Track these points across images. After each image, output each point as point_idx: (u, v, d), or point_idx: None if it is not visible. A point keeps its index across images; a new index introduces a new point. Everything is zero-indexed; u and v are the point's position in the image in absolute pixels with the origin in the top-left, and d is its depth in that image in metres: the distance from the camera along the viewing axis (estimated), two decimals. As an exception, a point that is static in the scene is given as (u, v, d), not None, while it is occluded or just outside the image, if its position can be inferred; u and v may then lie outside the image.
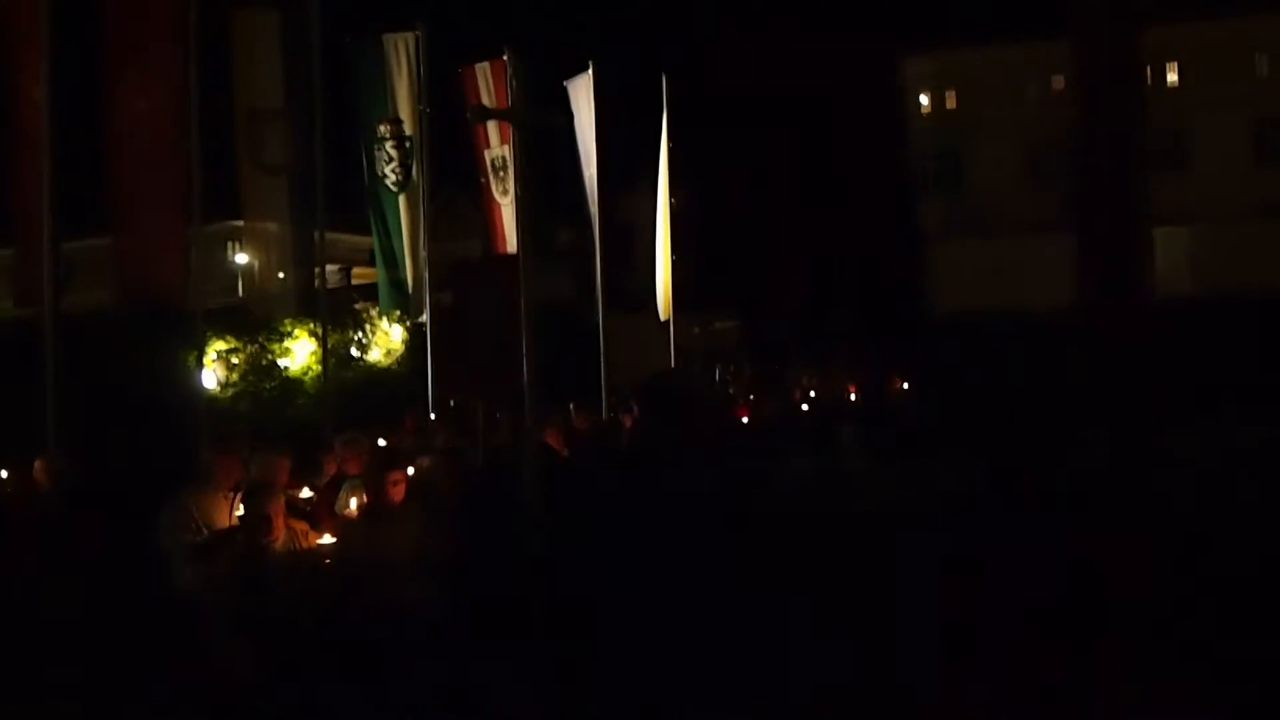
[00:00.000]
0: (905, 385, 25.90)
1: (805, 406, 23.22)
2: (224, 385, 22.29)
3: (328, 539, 8.64)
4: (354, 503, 9.57)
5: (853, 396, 24.82)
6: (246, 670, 7.67)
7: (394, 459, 10.14)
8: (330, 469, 10.60)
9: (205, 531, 8.75)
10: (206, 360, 17.97)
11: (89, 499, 9.67)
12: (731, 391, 23.66)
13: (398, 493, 8.91)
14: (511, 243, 17.85)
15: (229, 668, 7.70)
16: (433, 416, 15.33)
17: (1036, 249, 36.36)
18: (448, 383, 11.01)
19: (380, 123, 16.82)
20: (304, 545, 8.34)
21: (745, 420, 19.57)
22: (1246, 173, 43.95)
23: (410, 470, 9.67)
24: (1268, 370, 27.78)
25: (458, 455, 10.63)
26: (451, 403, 15.44)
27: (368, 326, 24.45)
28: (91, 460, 10.92)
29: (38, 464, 9.76)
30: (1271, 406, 23.33)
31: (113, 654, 8.81)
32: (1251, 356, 29.28)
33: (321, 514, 9.68)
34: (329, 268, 20.64)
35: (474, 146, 17.93)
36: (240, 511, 8.47)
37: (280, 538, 8.16)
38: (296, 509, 9.24)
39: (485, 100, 17.57)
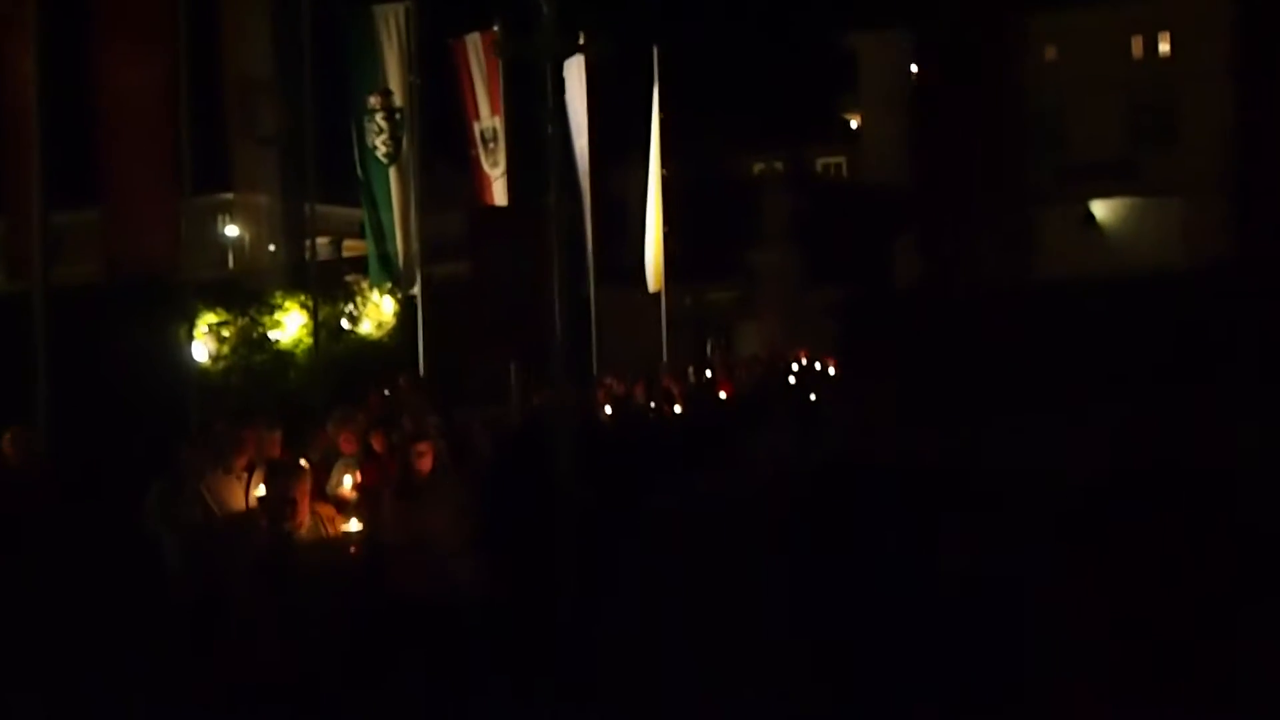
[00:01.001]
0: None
1: (791, 380, 23.23)
2: (215, 358, 22.23)
3: (355, 524, 8.08)
4: (348, 481, 9.23)
5: (831, 370, 24.84)
6: (272, 668, 7.03)
7: (420, 430, 9.61)
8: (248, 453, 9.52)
9: (219, 515, 8.26)
10: (197, 333, 17.93)
11: (60, 476, 9.42)
12: (712, 368, 23.62)
13: (425, 464, 8.51)
14: (502, 216, 17.84)
15: (253, 665, 7.10)
16: (387, 393, 15.03)
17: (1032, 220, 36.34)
18: (472, 343, 10.34)
19: (370, 94, 16.79)
20: (331, 532, 7.67)
21: (724, 395, 19.58)
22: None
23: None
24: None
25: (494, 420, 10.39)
26: (400, 382, 15.24)
27: (359, 299, 24.41)
28: (77, 434, 10.83)
29: (6, 437, 9.32)
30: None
31: (93, 644, 8.68)
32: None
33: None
34: (319, 240, 20.62)
35: (464, 119, 17.89)
36: (260, 493, 7.82)
37: (306, 523, 7.49)
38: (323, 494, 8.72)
39: (475, 72, 17.54)
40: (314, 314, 16.90)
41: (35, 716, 7.83)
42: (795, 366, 24.20)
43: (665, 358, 22.41)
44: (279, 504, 7.37)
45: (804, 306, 34.23)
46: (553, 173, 9.21)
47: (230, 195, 33.54)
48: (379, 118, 16.75)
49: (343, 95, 17.12)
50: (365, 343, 24.01)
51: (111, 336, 20.02)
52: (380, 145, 16.75)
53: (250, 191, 25.64)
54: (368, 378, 17.97)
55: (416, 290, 17.33)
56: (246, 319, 22.83)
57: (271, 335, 22.84)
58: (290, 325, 22.89)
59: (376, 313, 24.34)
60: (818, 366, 25.45)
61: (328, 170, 16.86)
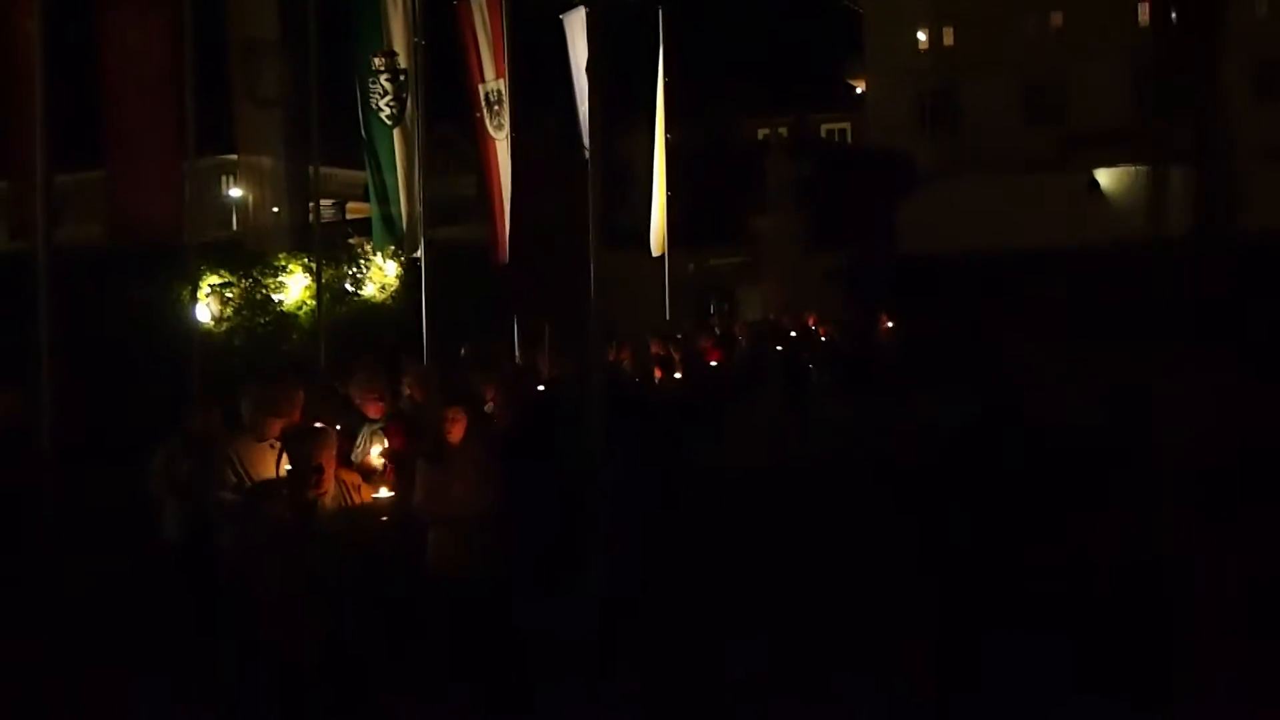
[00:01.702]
0: (890, 325, 25.83)
1: (780, 347, 23.10)
2: (218, 320, 22.28)
3: (385, 492, 7.66)
4: (376, 450, 8.67)
5: (823, 337, 24.73)
6: (293, 644, 6.67)
7: (452, 393, 9.31)
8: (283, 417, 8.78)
9: (250, 485, 7.80)
10: (200, 295, 17.96)
11: (53, 437, 9.16)
12: (718, 331, 23.48)
13: (457, 431, 8.12)
14: (506, 180, 17.77)
15: (273, 640, 6.74)
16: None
17: (1033, 189, 36.23)
18: (518, 305, 9.49)
19: (374, 55, 16.70)
20: (357, 500, 7.17)
21: (714, 364, 19.41)
22: (1244, 113, 43.76)
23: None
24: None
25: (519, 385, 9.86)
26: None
27: (362, 262, 24.43)
28: (80, 396, 10.79)
29: None
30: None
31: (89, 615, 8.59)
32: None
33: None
34: (323, 202, 20.60)
35: (469, 80, 17.82)
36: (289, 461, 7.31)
37: (330, 491, 6.95)
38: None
39: (480, 34, 17.46)
40: (317, 276, 16.89)
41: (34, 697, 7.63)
42: (793, 333, 24.01)
43: (668, 322, 22.39)
44: (303, 471, 6.84)
45: (808, 271, 34.17)
46: (596, 123, 8.80)
47: (234, 157, 33.51)
48: (383, 79, 16.68)
49: (346, 57, 17.04)
50: (368, 305, 24.05)
51: (115, 298, 20.06)
52: (384, 107, 16.68)
53: (254, 153, 25.53)
54: (371, 340, 18.03)
55: (420, 253, 17.30)
56: (250, 281, 22.87)
57: (275, 297, 22.88)
58: (293, 287, 22.92)
59: (380, 276, 24.37)
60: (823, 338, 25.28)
61: (331, 132, 16.81)
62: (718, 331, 22.57)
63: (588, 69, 9.41)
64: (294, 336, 21.98)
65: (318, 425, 7.40)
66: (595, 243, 8.26)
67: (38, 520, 8.51)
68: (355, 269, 24.35)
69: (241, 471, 7.92)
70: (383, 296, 24.32)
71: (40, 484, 8.77)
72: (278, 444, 7.95)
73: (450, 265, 18.27)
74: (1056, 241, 31.80)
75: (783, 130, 52.86)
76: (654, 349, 16.79)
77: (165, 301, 19.31)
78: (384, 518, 7.49)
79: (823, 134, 54.83)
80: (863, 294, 29.19)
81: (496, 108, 17.78)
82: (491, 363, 13.06)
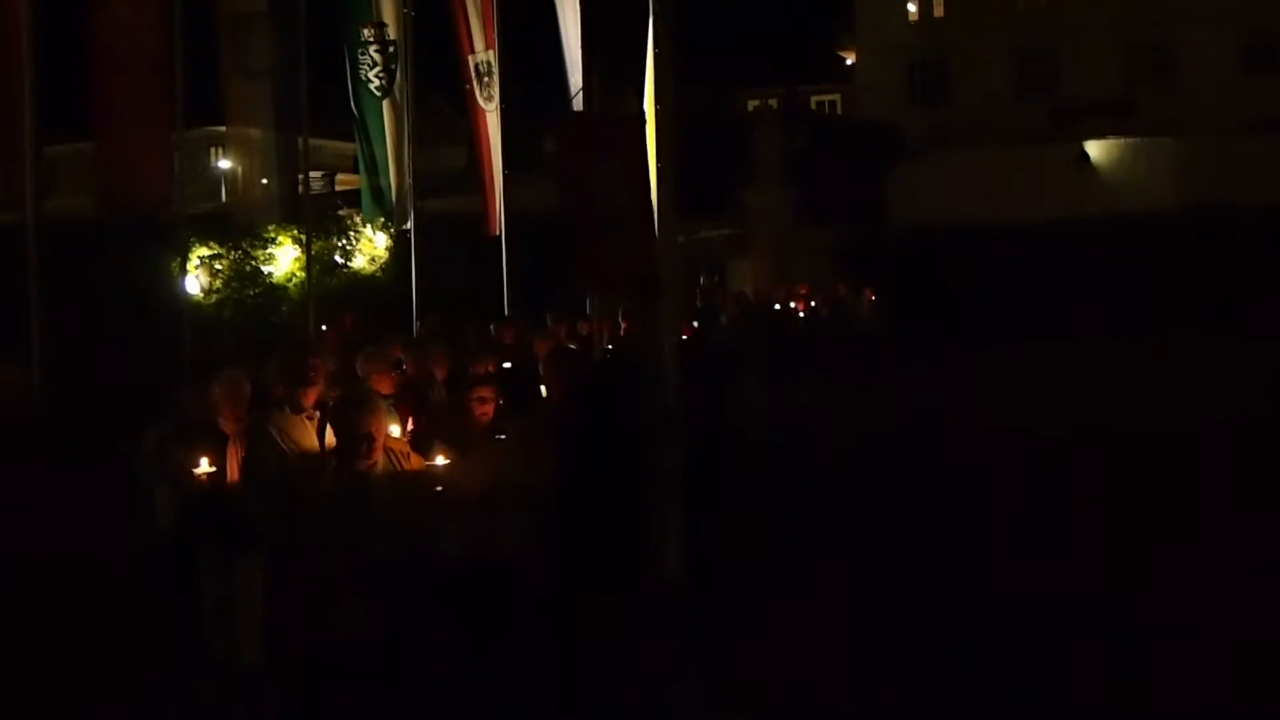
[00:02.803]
0: (874, 298, 25.68)
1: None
2: (207, 292, 22.27)
3: (441, 460, 6.87)
4: (395, 430, 7.80)
5: (801, 312, 24.33)
6: (346, 625, 6.07)
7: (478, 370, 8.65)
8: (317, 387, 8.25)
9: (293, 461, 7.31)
10: (190, 266, 17.91)
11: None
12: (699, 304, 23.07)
13: (486, 412, 7.38)
14: (497, 151, 17.75)
15: (321, 626, 6.09)
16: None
17: (1023, 161, 36.22)
18: (574, 272, 8.69)
19: (364, 26, 16.65)
20: (407, 469, 6.66)
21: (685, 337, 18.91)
22: (1233, 85, 43.70)
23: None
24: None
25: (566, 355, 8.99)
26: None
27: (352, 234, 24.38)
28: (69, 368, 10.70)
29: None
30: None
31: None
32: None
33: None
34: (313, 174, 20.54)
35: (458, 52, 17.77)
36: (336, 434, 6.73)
37: (379, 461, 6.43)
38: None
39: (469, 4, 17.42)
40: (307, 248, 16.87)
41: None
42: (777, 305, 23.48)
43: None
44: (352, 441, 6.31)
45: (799, 244, 34.14)
46: (664, 82, 8.43)
47: (223, 129, 33.32)
48: (372, 50, 16.63)
49: (336, 27, 16.98)
50: (358, 277, 24.01)
51: (104, 269, 20.04)
52: (373, 78, 16.64)
53: (243, 125, 25.38)
54: (361, 312, 18.01)
55: (410, 225, 17.29)
56: (239, 252, 22.84)
57: (264, 269, 22.85)
58: (283, 259, 22.89)
59: (370, 248, 24.33)
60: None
61: (321, 104, 16.75)
62: (698, 305, 21.93)
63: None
64: (283, 308, 21.96)
65: (365, 391, 7.02)
66: (670, 200, 7.95)
67: (28, 500, 8.26)
68: (345, 241, 24.31)
69: (284, 447, 7.40)
70: (372, 269, 24.28)
71: (32, 462, 8.53)
72: (315, 415, 7.59)
73: (440, 237, 18.25)
74: (1046, 214, 31.88)
75: (773, 102, 52.75)
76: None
77: (154, 273, 19.29)
78: (439, 488, 6.78)
79: (813, 105, 54.73)
80: (849, 268, 29.18)
81: (486, 79, 17.74)
82: (457, 338, 12.64)
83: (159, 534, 7.94)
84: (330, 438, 7.13)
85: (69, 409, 9.70)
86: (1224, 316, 27.41)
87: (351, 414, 6.39)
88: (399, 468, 6.58)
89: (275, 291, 22.68)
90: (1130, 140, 36.91)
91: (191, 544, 7.59)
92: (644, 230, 7.96)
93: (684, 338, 18.31)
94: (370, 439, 6.26)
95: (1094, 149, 36.58)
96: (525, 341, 12.94)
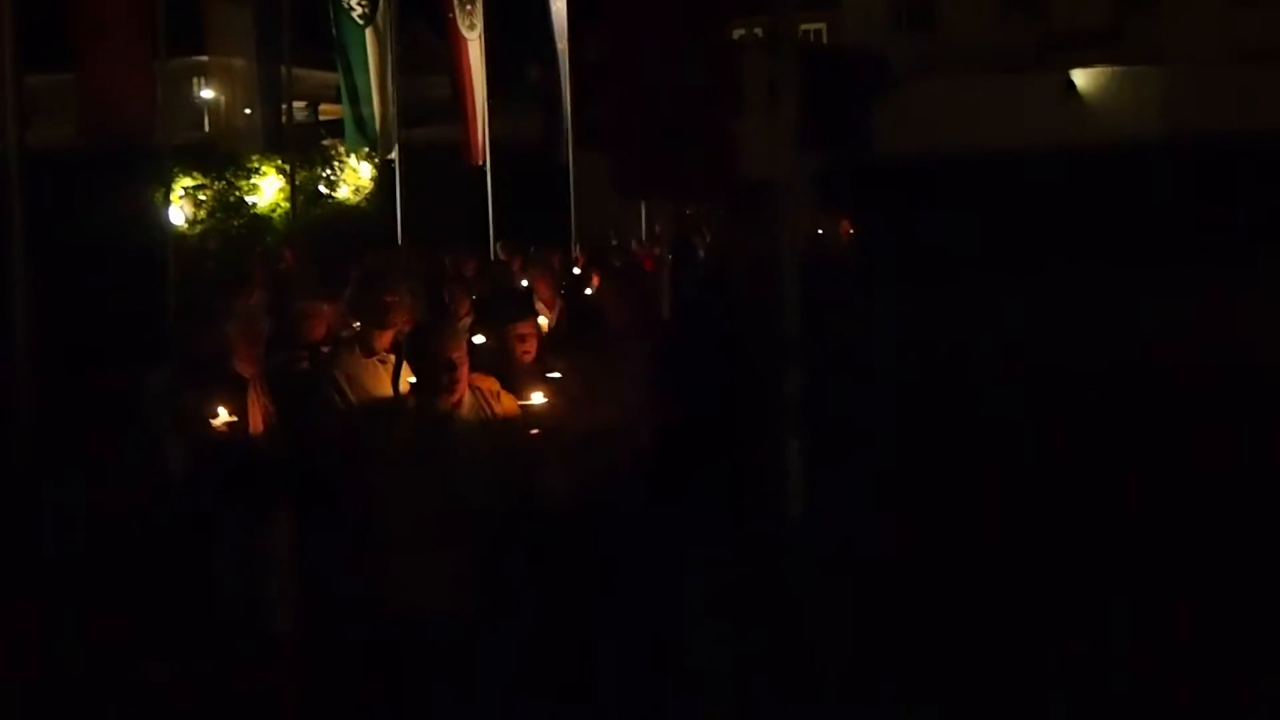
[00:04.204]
0: (852, 231, 25.48)
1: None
2: (192, 222, 22.22)
3: (538, 398, 5.72)
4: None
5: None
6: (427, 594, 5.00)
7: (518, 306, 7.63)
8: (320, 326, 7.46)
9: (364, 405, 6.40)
10: (174, 197, 17.86)
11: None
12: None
13: (529, 350, 6.50)
14: (480, 81, 17.67)
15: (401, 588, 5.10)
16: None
17: (1009, 89, 36.09)
18: (621, 177, 7.40)
19: (346, -47, 16.54)
20: (499, 410, 5.41)
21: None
22: (1223, 14, 43.47)
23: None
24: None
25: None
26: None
27: (336, 164, 24.32)
28: (55, 301, 10.60)
29: None
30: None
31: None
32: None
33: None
34: (296, 104, 20.45)
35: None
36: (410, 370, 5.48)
37: (465, 399, 5.30)
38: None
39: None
40: (291, 178, 16.83)
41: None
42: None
43: (643, 225, 22.29)
44: (433, 374, 5.20)
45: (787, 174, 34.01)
46: None
47: (205, 59, 33.11)
48: (355, -22, 16.53)
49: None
50: (343, 207, 23.98)
51: (87, 200, 19.96)
52: (356, 6, 16.53)
53: (225, 54, 25.35)
54: (346, 242, 17.99)
55: (394, 155, 17.24)
56: (223, 183, 22.78)
57: (249, 199, 22.80)
58: (267, 189, 22.84)
59: (354, 177, 24.28)
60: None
61: (304, 32, 16.64)
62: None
63: None
64: (268, 239, 21.93)
65: (445, 316, 6.07)
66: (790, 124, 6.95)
67: (19, 440, 8.00)
68: (329, 171, 24.25)
69: (352, 396, 6.56)
70: (357, 198, 24.24)
71: (16, 399, 8.20)
72: (390, 359, 6.61)
73: (426, 167, 18.22)
74: (1033, 144, 31.80)
75: (758, 31, 52.40)
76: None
77: (138, 203, 19.23)
78: (534, 430, 5.63)
79: (799, 34, 54.46)
80: (828, 199, 28.99)
81: (469, 6, 17.63)
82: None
83: (172, 488, 7.09)
84: (404, 381, 6.00)
85: (56, 341, 9.55)
86: (1223, 245, 27.34)
87: (429, 342, 5.26)
88: (488, 410, 5.41)
89: (259, 222, 22.65)
90: (1118, 69, 36.79)
91: (212, 500, 6.89)
92: (732, 119, 6.91)
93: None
94: (453, 367, 5.18)
95: (1081, 77, 36.46)
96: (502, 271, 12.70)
